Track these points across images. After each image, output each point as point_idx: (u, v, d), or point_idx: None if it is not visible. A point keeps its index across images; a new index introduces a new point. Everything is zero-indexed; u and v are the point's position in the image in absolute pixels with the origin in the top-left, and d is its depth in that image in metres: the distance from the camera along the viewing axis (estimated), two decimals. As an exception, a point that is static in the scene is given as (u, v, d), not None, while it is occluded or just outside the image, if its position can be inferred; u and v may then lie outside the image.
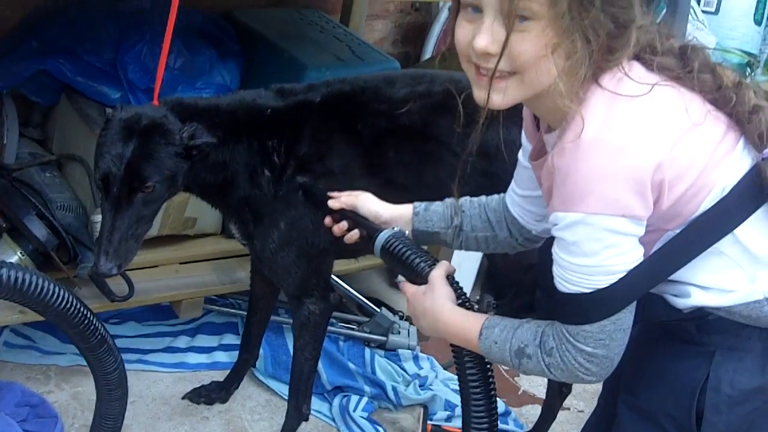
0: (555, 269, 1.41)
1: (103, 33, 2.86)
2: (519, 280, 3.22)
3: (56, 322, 1.82)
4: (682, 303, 1.47)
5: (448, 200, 1.81)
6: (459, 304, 1.61)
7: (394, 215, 1.82)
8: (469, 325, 1.54)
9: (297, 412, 2.59)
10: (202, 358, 3.03)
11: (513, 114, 1.57)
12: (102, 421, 2.00)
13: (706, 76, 1.41)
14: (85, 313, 1.81)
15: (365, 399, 2.94)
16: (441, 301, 1.60)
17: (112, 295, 2.68)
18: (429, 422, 2.91)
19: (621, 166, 1.32)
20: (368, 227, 1.80)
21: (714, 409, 1.47)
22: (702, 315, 1.46)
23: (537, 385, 3.17)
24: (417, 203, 1.83)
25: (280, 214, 2.32)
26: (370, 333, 3.19)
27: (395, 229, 1.76)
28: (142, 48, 2.83)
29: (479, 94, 1.40)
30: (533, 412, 3.04)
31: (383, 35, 3.90)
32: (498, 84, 1.37)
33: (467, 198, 1.81)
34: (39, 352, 2.89)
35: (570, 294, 1.39)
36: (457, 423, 2.92)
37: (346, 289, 3.29)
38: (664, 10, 3.47)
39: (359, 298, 3.34)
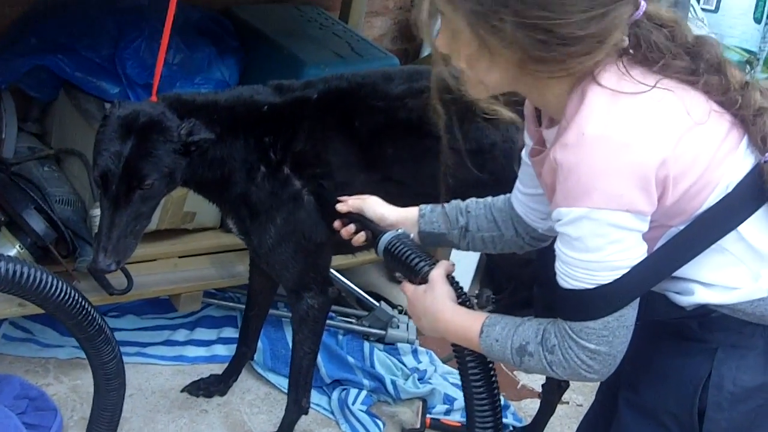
0: (558, 265, 1.41)
1: (102, 29, 2.86)
2: (517, 275, 3.23)
3: (54, 313, 1.83)
4: (685, 301, 1.47)
5: (454, 201, 1.81)
6: (459, 303, 1.60)
7: (400, 218, 1.83)
8: (469, 324, 1.54)
9: (296, 405, 2.60)
10: (201, 352, 3.04)
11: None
12: (100, 413, 2.01)
13: (713, 79, 1.40)
14: (82, 303, 1.82)
15: (364, 392, 2.95)
16: (441, 300, 1.60)
17: (110, 288, 2.69)
18: (428, 416, 2.92)
19: (625, 161, 1.32)
20: (373, 229, 1.82)
21: (716, 406, 1.47)
22: (705, 313, 1.46)
23: (536, 380, 3.17)
24: (423, 205, 1.83)
25: (276, 209, 2.33)
26: (369, 327, 3.20)
27: (399, 231, 1.77)
28: (141, 44, 2.83)
29: (464, 88, 1.47)
30: (532, 406, 3.05)
31: (382, 32, 3.89)
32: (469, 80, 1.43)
33: (473, 199, 1.81)
34: (38, 345, 2.90)
35: (573, 290, 1.39)
36: (456, 416, 2.93)
37: (345, 283, 3.30)
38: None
39: (358, 292, 3.34)
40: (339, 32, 3.23)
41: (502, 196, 1.78)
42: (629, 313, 1.40)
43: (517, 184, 1.71)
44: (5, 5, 2.89)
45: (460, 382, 1.67)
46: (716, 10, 4.20)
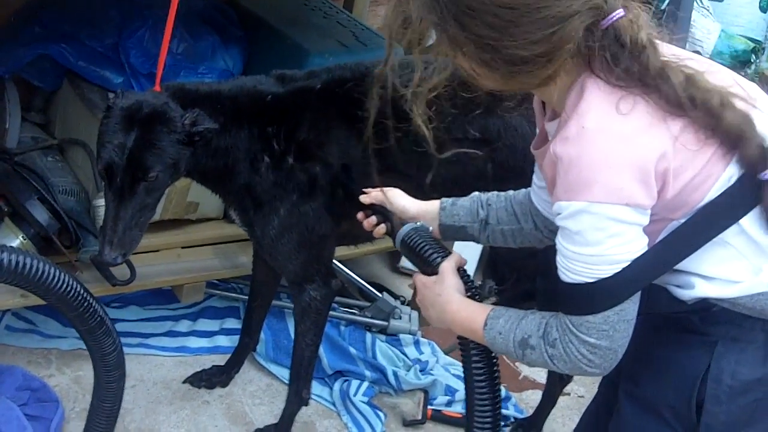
0: (558, 259, 1.41)
1: (106, 18, 2.85)
2: (521, 266, 3.21)
3: (56, 305, 1.83)
4: (686, 294, 1.46)
5: (475, 195, 1.82)
6: (468, 297, 1.61)
7: (421, 210, 1.83)
8: (474, 316, 1.54)
9: (297, 396, 2.61)
10: (203, 342, 3.04)
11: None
12: (100, 404, 2.00)
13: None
14: (84, 295, 1.81)
15: (366, 383, 2.95)
16: (449, 292, 1.60)
17: (113, 279, 2.69)
18: (429, 407, 2.92)
19: (625, 155, 1.32)
20: (394, 221, 1.85)
21: (714, 399, 1.47)
22: (706, 306, 1.46)
23: (538, 371, 3.17)
24: (444, 198, 1.83)
25: (280, 200, 2.32)
26: (371, 318, 3.20)
27: (418, 224, 1.79)
28: (145, 33, 2.83)
29: None
30: (534, 397, 3.05)
31: (387, 21, 3.88)
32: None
33: (494, 192, 1.82)
34: (40, 336, 2.90)
35: (573, 284, 1.39)
36: (457, 408, 2.93)
37: (347, 273, 3.30)
38: (669, -2, 3.47)
39: (361, 283, 3.34)
40: (343, 21, 3.22)
41: (523, 190, 1.78)
42: (630, 307, 1.39)
43: (534, 176, 1.71)
44: (8, -6, 2.89)
45: (461, 374, 1.67)
46: (722, -1, 4.20)
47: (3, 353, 2.80)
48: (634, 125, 1.33)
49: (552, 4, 1.30)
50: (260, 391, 2.90)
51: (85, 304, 1.83)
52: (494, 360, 1.62)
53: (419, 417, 2.89)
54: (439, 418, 2.91)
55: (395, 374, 2.98)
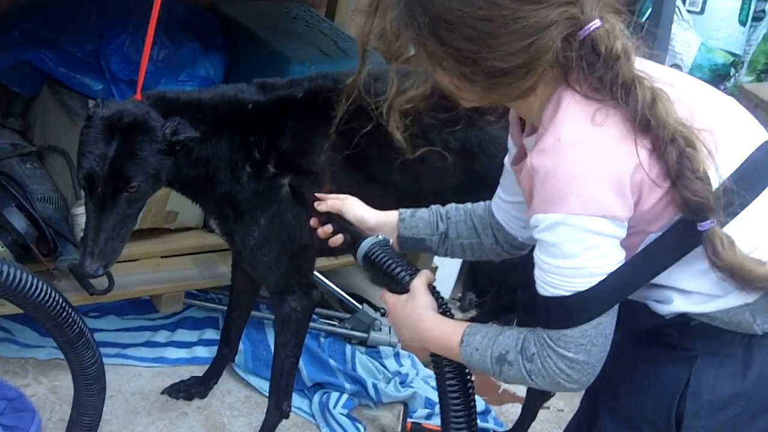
0: (536, 272, 1.40)
1: (86, 24, 2.84)
2: (501, 279, 3.22)
3: (34, 314, 1.81)
4: (664, 309, 1.46)
5: (434, 207, 1.81)
6: (440, 313, 1.60)
7: (379, 221, 1.81)
8: (450, 334, 1.53)
9: (277, 409, 2.59)
10: (181, 353, 3.02)
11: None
12: (79, 416, 1.98)
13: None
14: (63, 305, 1.80)
15: (345, 396, 2.93)
16: (422, 310, 1.59)
17: (91, 288, 2.66)
18: (409, 419, 2.90)
19: (601, 166, 1.32)
20: (353, 233, 1.79)
21: (693, 414, 1.47)
22: (684, 321, 1.46)
23: (517, 384, 3.17)
24: (402, 210, 1.82)
25: (260, 210, 2.31)
26: (351, 329, 3.18)
27: (379, 237, 1.75)
28: (125, 39, 2.81)
29: None
30: (513, 410, 3.04)
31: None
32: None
33: (453, 205, 1.81)
34: (17, 345, 2.87)
35: (551, 297, 1.39)
36: (437, 421, 2.91)
37: (327, 285, 3.28)
38: (650, 10, 3.47)
39: (341, 295, 3.33)
40: (325, 30, 3.22)
41: (482, 203, 1.78)
42: (607, 321, 1.39)
43: (499, 191, 1.71)
44: (-12, -1, 2.87)
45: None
46: (702, 11, 4.21)
47: (-21, 362, 2.77)
48: (610, 136, 1.33)
49: (528, 14, 1.30)
50: (239, 402, 2.88)
51: (64, 314, 1.81)
52: (468, 375, 1.61)
53: (399, 430, 2.87)
54: (418, 430, 2.89)
55: (375, 386, 2.96)
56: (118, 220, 2.12)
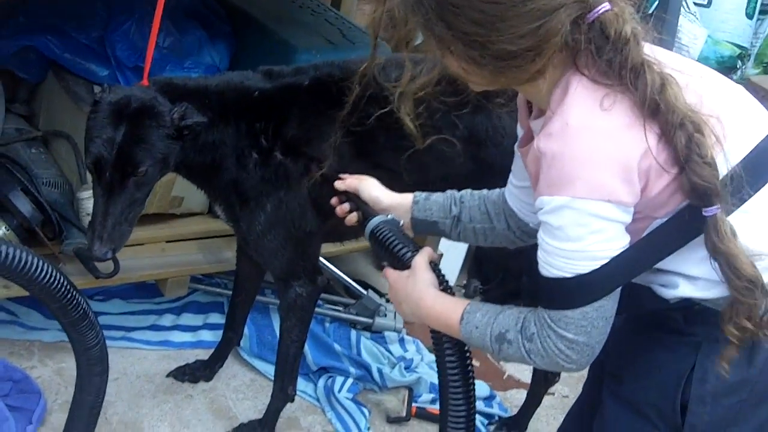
0: (539, 253, 1.41)
1: (92, 10, 2.84)
2: (506, 265, 3.22)
3: (39, 296, 1.82)
4: (669, 293, 1.47)
5: (449, 191, 1.82)
6: (441, 290, 1.61)
7: (394, 202, 1.83)
8: (450, 311, 1.54)
9: (282, 393, 2.60)
10: (187, 337, 3.03)
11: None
12: (83, 397, 1.99)
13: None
14: (67, 287, 1.81)
15: (350, 380, 2.94)
16: (423, 286, 1.60)
17: (97, 272, 2.67)
18: (414, 404, 2.92)
19: (608, 151, 1.32)
20: (365, 211, 1.82)
21: (698, 400, 1.47)
22: (688, 305, 1.46)
23: (522, 370, 3.18)
24: (418, 192, 1.83)
25: (266, 196, 2.32)
26: (356, 315, 3.20)
27: (389, 216, 1.77)
28: (131, 26, 2.81)
29: None
30: (518, 396, 3.05)
31: (375, 19, 3.87)
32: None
33: (468, 190, 1.82)
34: (23, 328, 2.88)
35: (553, 278, 1.39)
36: (442, 406, 2.93)
37: (333, 271, 3.29)
38: (657, 2, 3.47)
39: (346, 281, 3.33)
40: (331, 19, 3.21)
41: (497, 190, 1.78)
42: (609, 305, 1.40)
43: (511, 177, 1.72)
44: (-7, -15, 2.87)
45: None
46: (708, 4, 4.20)
47: (-15, 344, 2.78)
48: (618, 122, 1.33)
49: None
50: (244, 386, 2.89)
51: (69, 296, 1.82)
52: (467, 353, 1.62)
53: (403, 414, 2.88)
54: (423, 415, 2.91)
55: (380, 371, 2.97)
56: (126, 205, 2.13)
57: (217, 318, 3.09)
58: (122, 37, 2.81)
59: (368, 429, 2.81)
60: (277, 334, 2.62)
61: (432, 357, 3.13)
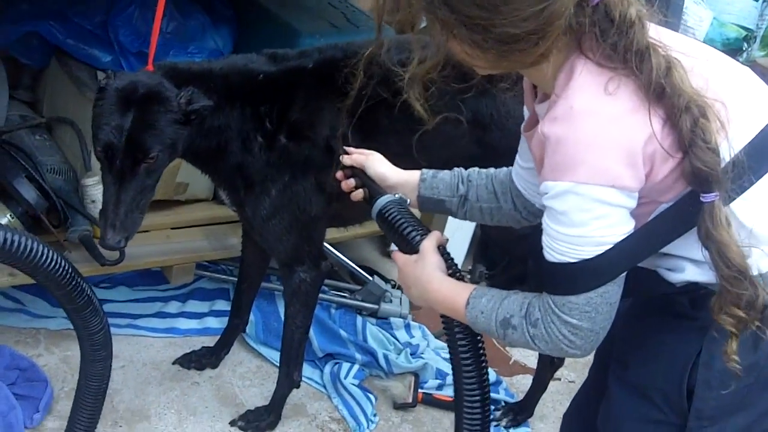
0: (544, 238, 1.40)
1: (95, -5, 2.83)
2: (512, 250, 3.21)
3: (44, 283, 1.82)
4: (675, 277, 1.46)
5: (456, 170, 1.81)
6: (449, 275, 1.60)
7: (400, 180, 1.82)
8: (456, 295, 1.54)
9: (288, 379, 2.60)
10: (192, 324, 3.03)
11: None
12: (87, 383, 2.00)
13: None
14: (72, 274, 1.81)
15: (356, 366, 2.94)
16: (431, 270, 1.59)
17: (102, 259, 2.66)
18: (420, 390, 2.92)
19: (612, 136, 1.31)
20: (372, 189, 1.80)
21: (705, 384, 1.46)
22: (695, 289, 1.45)
23: (528, 355, 3.17)
24: (425, 170, 1.82)
25: (271, 180, 2.31)
26: (362, 301, 3.19)
27: (397, 195, 1.76)
28: (134, 11, 2.80)
29: None
30: (524, 381, 3.05)
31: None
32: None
33: (476, 169, 1.81)
34: (29, 316, 2.88)
35: (557, 264, 1.38)
36: (448, 391, 2.93)
37: (338, 257, 3.29)
38: (662, -17, 3.45)
39: (352, 266, 3.33)
40: (334, 2, 3.20)
41: (504, 169, 1.77)
42: (613, 290, 1.39)
43: (517, 157, 1.71)
44: (-4, -30, 2.86)
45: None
46: (714, -14, 4.19)
47: (-9, 333, 2.79)
48: (623, 106, 1.32)
49: None
50: (250, 372, 2.89)
51: (73, 282, 1.82)
52: (479, 338, 1.61)
53: (410, 400, 2.88)
54: (429, 401, 2.91)
55: (386, 357, 2.97)
56: (138, 192, 2.12)
57: (223, 305, 3.08)
58: (125, 23, 2.80)
59: (374, 415, 2.81)
60: (283, 321, 2.61)
61: (438, 343, 3.13)
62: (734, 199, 1.36)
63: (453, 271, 1.62)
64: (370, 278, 3.26)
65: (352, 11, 3.15)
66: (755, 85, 1.48)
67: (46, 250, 1.75)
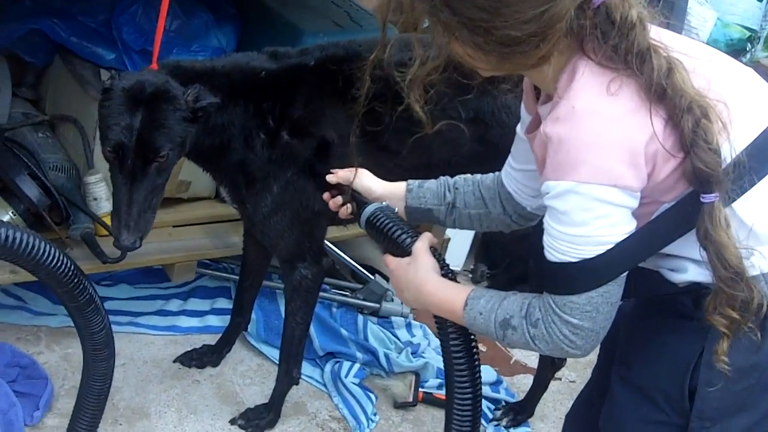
0: (545, 238, 1.40)
1: (98, -7, 2.83)
2: (513, 250, 3.22)
3: (46, 280, 1.82)
4: (677, 277, 1.46)
5: (442, 178, 1.81)
6: (442, 275, 1.60)
7: (387, 191, 1.82)
8: (454, 297, 1.53)
9: (288, 376, 2.60)
10: (194, 322, 3.03)
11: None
12: (89, 382, 2.00)
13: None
14: (74, 272, 1.81)
15: (357, 365, 2.94)
16: (425, 272, 1.59)
17: (104, 256, 2.67)
18: (420, 389, 2.92)
19: (614, 136, 1.32)
20: (358, 200, 1.81)
21: (707, 385, 1.46)
22: (697, 289, 1.45)
23: (529, 355, 3.17)
24: (411, 180, 1.82)
25: (273, 177, 2.31)
26: (363, 300, 3.19)
27: (383, 204, 1.76)
28: (137, 9, 2.80)
29: None
30: (525, 381, 3.05)
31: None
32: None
33: (462, 176, 1.81)
34: (30, 313, 2.88)
35: (558, 263, 1.39)
36: (449, 391, 2.92)
37: (340, 255, 3.29)
38: (666, -15, 3.45)
39: (353, 265, 3.33)
40: (338, 1, 3.20)
41: (491, 174, 1.78)
42: (614, 290, 1.39)
43: (509, 160, 1.71)
44: (0, -32, 2.86)
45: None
46: (718, -13, 4.19)
47: (-8, 330, 2.79)
48: (625, 107, 1.32)
49: None
50: (251, 371, 2.89)
51: (75, 280, 1.82)
52: (472, 338, 1.61)
53: (410, 399, 2.88)
54: (430, 400, 2.90)
55: (387, 356, 2.97)
56: (149, 191, 2.12)
57: (224, 303, 3.09)
58: (129, 20, 2.80)
59: (375, 414, 2.81)
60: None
61: (438, 342, 3.12)
62: (735, 199, 1.36)
63: (445, 272, 1.61)
64: (372, 277, 3.26)
65: (356, 10, 3.15)
66: (758, 85, 1.48)
67: (48, 248, 1.75)
